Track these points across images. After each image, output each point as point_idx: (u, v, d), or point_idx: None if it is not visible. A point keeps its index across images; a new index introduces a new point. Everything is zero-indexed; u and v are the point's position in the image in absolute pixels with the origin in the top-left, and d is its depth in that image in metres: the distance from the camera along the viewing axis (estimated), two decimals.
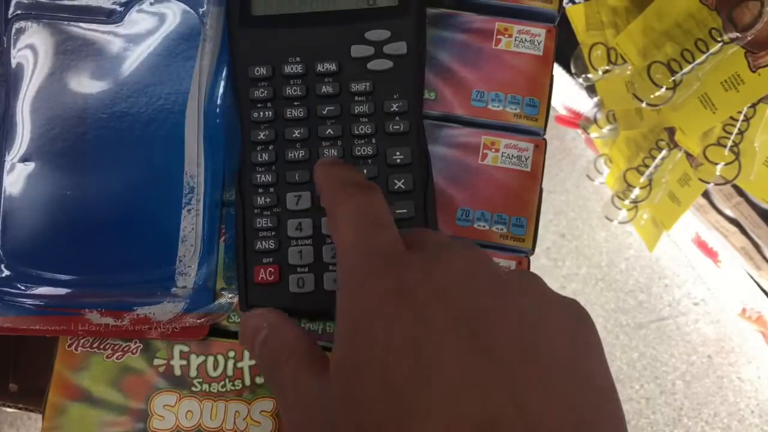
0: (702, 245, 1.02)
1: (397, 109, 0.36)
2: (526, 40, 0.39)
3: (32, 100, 0.36)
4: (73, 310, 0.36)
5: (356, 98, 0.36)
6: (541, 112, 0.39)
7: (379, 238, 0.28)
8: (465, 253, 0.28)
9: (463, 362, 0.23)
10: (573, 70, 0.81)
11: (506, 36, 0.39)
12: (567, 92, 0.96)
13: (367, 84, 0.36)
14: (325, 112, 0.36)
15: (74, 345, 0.37)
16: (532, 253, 0.38)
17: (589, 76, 0.78)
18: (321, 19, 0.37)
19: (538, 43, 0.39)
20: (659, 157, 0.82)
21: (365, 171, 0.36)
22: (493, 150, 0.38)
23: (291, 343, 0.28)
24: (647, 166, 0.84)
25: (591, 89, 0.90)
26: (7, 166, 0.36)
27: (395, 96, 0.36)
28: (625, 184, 0.86)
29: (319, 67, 0.36)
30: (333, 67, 0.36)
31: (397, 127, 0.36)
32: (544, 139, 0.39)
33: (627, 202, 0.88)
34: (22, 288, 0.35)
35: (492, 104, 0.39)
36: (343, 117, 0.36)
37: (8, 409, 0.50)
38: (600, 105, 0.90)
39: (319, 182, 0.31)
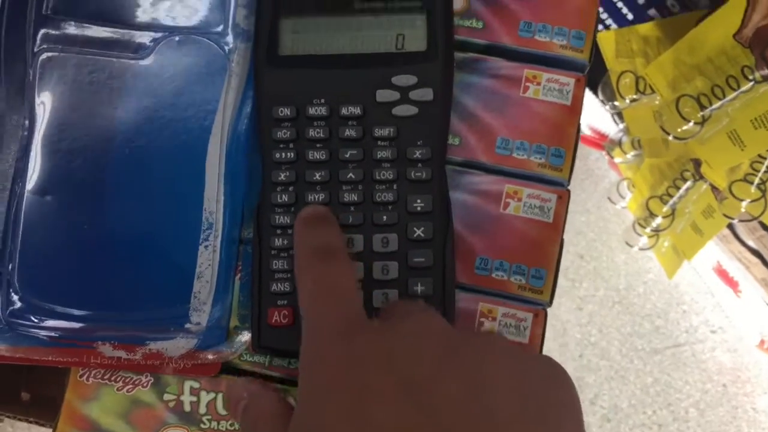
0: (723, 274, 1.00)
1: (420, 156, 0.36)
2: (554, 88, 0.38)
3: (54, 133, 0.36)
4: (85, 342, 0.36)
5: (379, 143, 0.36)
6: (567, 163, 0.38)
7: (334, 309, 0.29)
8: (417, 318, 0.29)
9: (403, 427, 0.24)
10: (600, 97, 0.80)
11: (534, 84, 0.38)
12: (593, 113, 0.95)
13: (391, 129, 0.36)
14: (347, 156, 0.36)
15: (86, 375, 0.37)
16: (550, 306, 0.38)
17: (616, 103, 0.77)
18: (348, 61, 0.36)
19: (567, 93, 0.38)
20: (684, 187, 0.81)
21: (385, 218, 0.35)
22: (516, 199, 0.38)
23: (268, 410, 0.31)
24: (671, 196, 0.83)
25: (618, 115, 0.89)
26: (25, 197, 0.36)
27: (419, 143, 0.36)
28: (648, 212, 0.85)
29: (344, 110, 0.36)
30: (357, 110, 0.36)
31: (420, 174, 0.36)
32: (568, 191, 0.38)
33: (648, 230, 0.87)
34: (35, 320, 0.35)
35: (517, 153, 0.38)
36: (365, 161, 0.36)
37: (20, 422, 0.50)
38: (626, 130, 0.89)
39: (294, 242, 0.33)
